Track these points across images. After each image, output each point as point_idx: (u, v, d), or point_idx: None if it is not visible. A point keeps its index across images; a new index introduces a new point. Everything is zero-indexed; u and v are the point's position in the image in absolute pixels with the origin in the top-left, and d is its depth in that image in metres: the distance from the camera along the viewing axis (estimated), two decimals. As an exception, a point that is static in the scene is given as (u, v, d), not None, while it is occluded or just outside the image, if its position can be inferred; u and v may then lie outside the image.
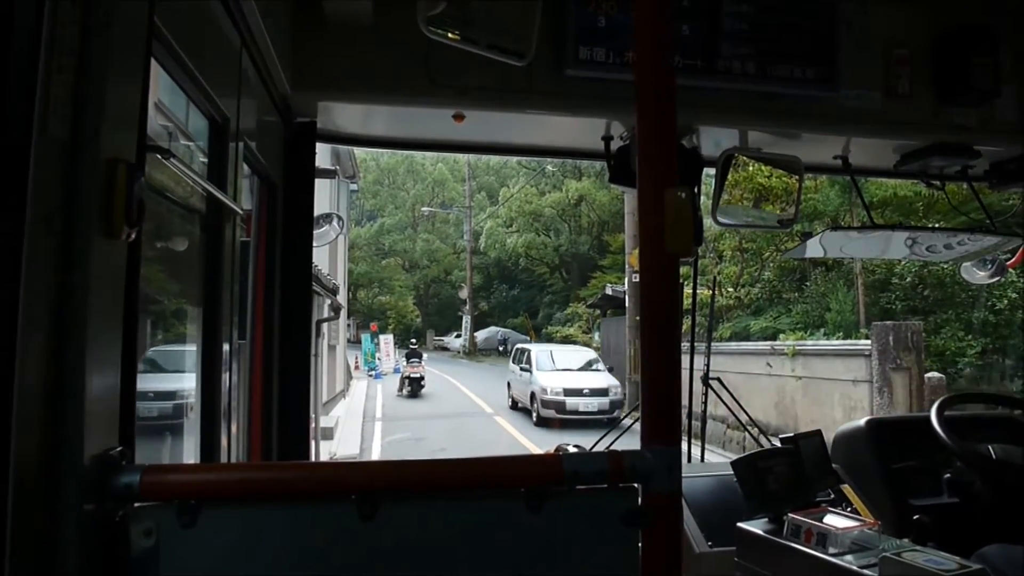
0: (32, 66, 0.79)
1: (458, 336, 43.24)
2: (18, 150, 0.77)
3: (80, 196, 0.86)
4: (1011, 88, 2.78)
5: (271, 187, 2.37)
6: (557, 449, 2.70)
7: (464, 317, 42.39)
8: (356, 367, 27.38)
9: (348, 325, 29.68)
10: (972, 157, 2.92)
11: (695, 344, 4.89)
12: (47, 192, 0.81)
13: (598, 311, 26.43)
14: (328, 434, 12.94)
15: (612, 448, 1.99)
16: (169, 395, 2.23)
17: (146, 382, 2.06)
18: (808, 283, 15.86)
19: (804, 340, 13.00)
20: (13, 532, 0.75)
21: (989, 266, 3.84)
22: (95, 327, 0.88)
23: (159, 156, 1.33)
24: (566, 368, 18.40)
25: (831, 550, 1.93)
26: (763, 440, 4.86)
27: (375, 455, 12.90)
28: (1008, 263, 3.96)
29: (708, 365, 4.87)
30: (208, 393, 1.74)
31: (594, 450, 2.95)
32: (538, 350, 19.89)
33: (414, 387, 21.88)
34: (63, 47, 0.83)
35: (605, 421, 14.75)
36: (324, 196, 14.50)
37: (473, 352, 40.16)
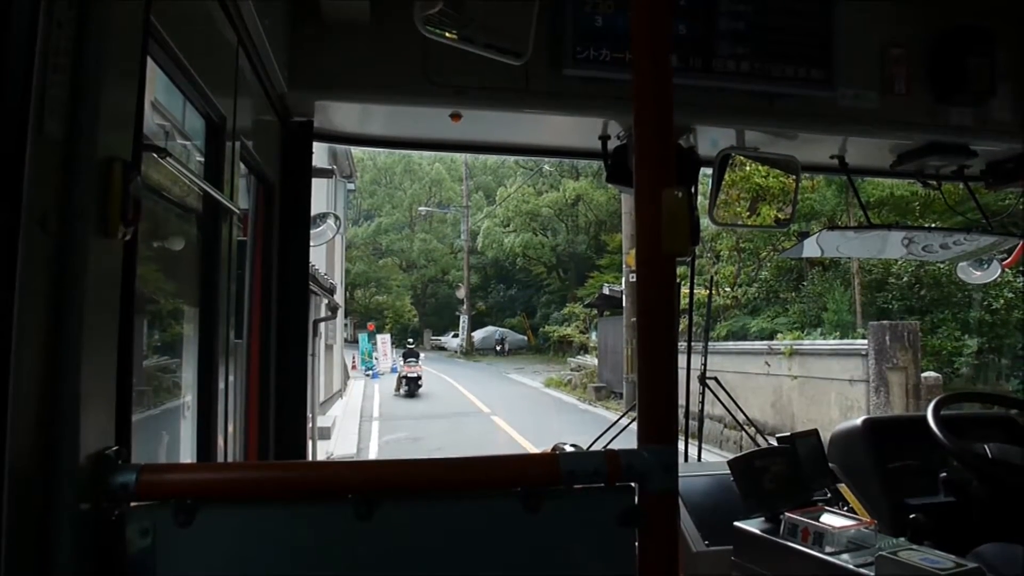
0: (28, 65, 0.79)
1: (455, 336, 43.22)
2: (14, 149, 0.77)
3: (76, 195, 0.85)
4: (1007, 88, 2.78)
5: (268, 186, 2.36)
6: (554, 448, 2.70)
7: (461, 317, 42.37)
8: (353, 367, 27.35)
9: (345, 325, 29.66)
10: (968, 157, 2.93)
11: (692, 343, 4.89)
12: (43, 191, 0.81)
13: (595, 311, 26.43)
14: (325, 434, 12.92)
15: (609, 447, 1.99)
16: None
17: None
18: (805, 283, 15.88)
19: (801, 339, 13.01)
20: (9, 531, 0.75)
21: (985, 266, 3.85)
22: (91, 326, 0.88)
23: (155, 155, 1.32)
24: None
25: (828, 549, 1.93)
26: (760, 439, 4.86)
27: (372, 455, 12.89)
28: (1004, 263, 3.97)
29: (705, 364, 4.88)
30: (205, 392, 1.73)
31: (591, 449, 2.95)
32: None
33: (411, 387, 21.86)
34: (59, 46, 0.83)
35: None
36: (321, 195, 14.48)
37: (470, 352, 40.14)
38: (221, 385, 1.76)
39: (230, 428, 1.88)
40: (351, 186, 27.01)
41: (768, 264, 16.86)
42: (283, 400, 2.43)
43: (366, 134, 2.94)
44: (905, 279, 13.30)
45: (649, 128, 1.06)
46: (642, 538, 1.04)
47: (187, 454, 1.88)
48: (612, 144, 2.75)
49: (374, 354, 29.08)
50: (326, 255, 16.68)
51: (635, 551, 1.04)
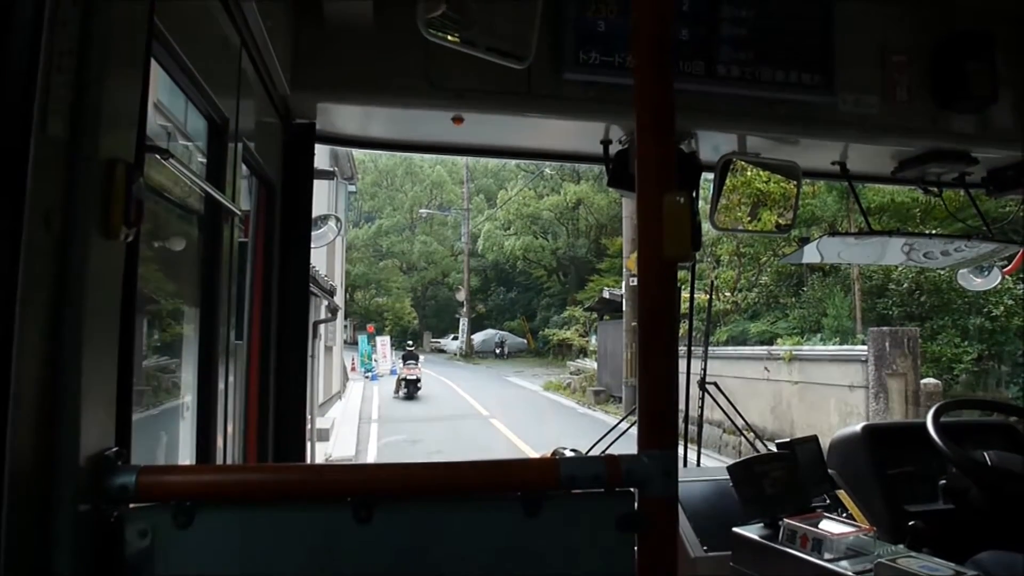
0: (31, 66, 0.79)
1: (455, 338, 43.23)
2: (17, 150, 0.77)
3: (78, 196, 0.85)
4: (1008, 95, 2.78)
5: (269, 188, 2.36)
6: (554, 453, 2.70)
7: (461, 319, 42.38)
8: (353, 369, 27.35)
9: (345, 326, 29.69)
10: (969, 164, 2.93)
11: (692, 348, 4.89)
12: (45, 192, 0.81)
13: (595, 315, 26.43)
14: (324, 436, 12.92)
15: (608, 452, 1.99)
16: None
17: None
18: (805, 288, 15.90)
19: (801, 345, 13.02)
20: (8, 532, 0.74)
21: (986, 273, 3.85)
22: (92, 327, 0.88)
23: (158, 156, 1.33)
24: None
25: (826, 556, 1.93)
26: (759, 445, 4.86)
27: (371, 457, 12.88)
28: (1005, 270, 3.97)
29: (705, 369, 4.87)
30: (205, 394, 1.73)
31: (591, 454, 2.94)
32: None
33: (410, 389, 21.87)
34: (62, 47, 0.83)
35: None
36: (322, 197, 14.49)
37: (470, 355, 40.14)
38: (221, 386, 1.75)
39: (229, 429, 1.88)
40: (352, 188, 27.06)
41: (768, 269, 16.87)
42: (282, 402, 2.43)
43: (368, 136, 2.94)
44: (905, 285, 13.32)
45: (650, 133, 1.06)
46: (641, 543, 1.04)
47: (186, 455, 1.88)
48: (614, 148, 2.75)
49: (373, 356, 29.08)
50: (326, 257, 16.70)
51: (634, 556, 1.04)
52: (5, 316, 0.76)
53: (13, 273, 0.76)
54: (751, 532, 2.16)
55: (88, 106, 0.87)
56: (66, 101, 0.84)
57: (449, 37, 1.69)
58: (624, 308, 17.84)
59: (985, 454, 2.51)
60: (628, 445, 1.20)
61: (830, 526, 2.01)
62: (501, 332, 42.59)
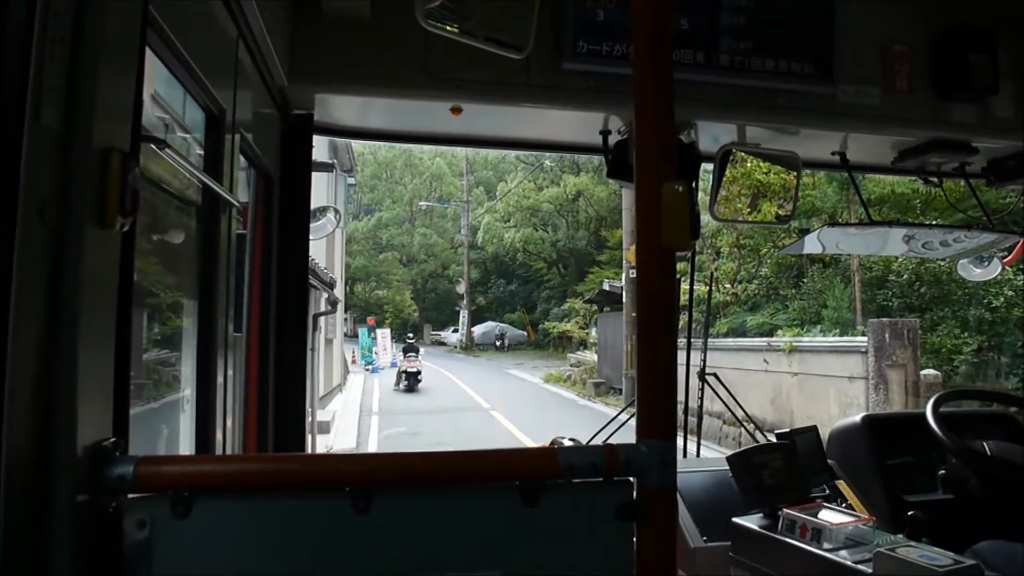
0: (25, 55, 0.78)
1: (455, 331, 43.26)
2: (10, 140, 0.77)
3: (74, 186, 0.85)
4: (1009, 85, 2.77)
5: (268, 180, 2.36)
6: (553, 442, 2.70)
7: (461, 312, 42.40)
8: (353, 361, 27.39)
9: (345, 319, 29.66)
10: (970, 154, 2.92)
11: (692, 339, 4.89)
12: (40, 182, 0.80)
13: (595, 306, 26.43)
14: (325, 428, 12.95)
15: (608, 442, 1.99)
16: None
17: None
18: (805, 279, 15.90)
19: (801, 336, 13.03)
20: (5, 523, 0.74)
21: (985, 263, 3.84)
22: (88, 318, 0.87)
23: (154, 147, 1.32)
24: None
25: (826, 545, 1.93)
26: (759, 435, 4.87)
27: (372, 449, 12.90)
28: (1004, 260, 3.97)
29: (705, 360, 4.88)
30: (204, 385, 1.73)
31: (590, 443, 2.95)
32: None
33: (411, 381, 21.91)
34: (56, 36, 0.82)
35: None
36: (321, 190, 14.45)
37: (470, 347, 40.18)
38: (220, 379, 1.75)
39: (229, 423, 1.88)
40: (351, 180, 27.03)
41: (768, 261, 16.87)
42: (282, 394, 2.43)
43: (366, 128, 2.93)
44: (905, 277, 13.32)
45: (650, 123, 1.06)
46: (640, 533, 1.04)
47: (186, 450, 1.88)
48: (613, 139, 2.74)
49: (374, 349, 29.12)
50: (326, 249, 16.67)
51: (633, 546, 1.04)
52: (1, 308, 0.75)
53: (8, 264, 0.76)
54: (751, 522, 2.17)
55: (83, 96, 0.86)
56: (60, 91, 0.83)
57: (448, 27, 1.69)
58: (624, 300, 17.85)
59: (984, 444, 2.51)
60: (628, 437, 1.20)
61: (829, 516, 2.02)
62: (501, 324, 42.61)
